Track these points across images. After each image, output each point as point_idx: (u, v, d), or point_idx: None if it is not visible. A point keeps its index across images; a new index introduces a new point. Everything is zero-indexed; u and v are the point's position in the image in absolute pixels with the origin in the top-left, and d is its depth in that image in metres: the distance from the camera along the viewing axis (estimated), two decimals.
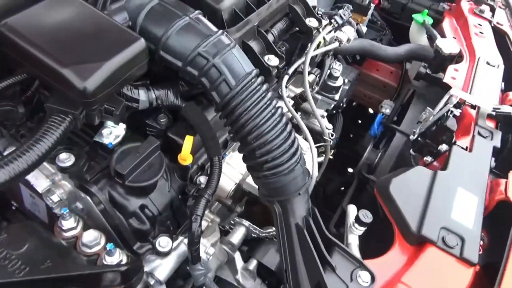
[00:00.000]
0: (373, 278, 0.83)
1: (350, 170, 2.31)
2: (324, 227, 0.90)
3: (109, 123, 0.90)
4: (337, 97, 1.51)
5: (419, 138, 1.31)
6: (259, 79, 0.87)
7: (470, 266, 0.88)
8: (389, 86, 2.36)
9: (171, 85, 0.97)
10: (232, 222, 1.22)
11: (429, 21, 1.94)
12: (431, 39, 1.90)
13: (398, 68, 2.33)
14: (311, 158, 1.19)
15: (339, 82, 1.49)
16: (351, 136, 2.39)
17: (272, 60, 1.11)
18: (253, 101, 0.85)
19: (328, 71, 1.47)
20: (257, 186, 1.17)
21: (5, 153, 0.86)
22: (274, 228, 1.24)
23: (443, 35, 1.79)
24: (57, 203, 0.88)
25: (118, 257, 0.82)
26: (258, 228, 1.20)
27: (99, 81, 0.73)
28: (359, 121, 2.47)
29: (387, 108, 1.96)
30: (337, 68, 1.49)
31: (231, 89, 0.85)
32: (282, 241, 0.92)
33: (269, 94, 0.87)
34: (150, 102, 0.94)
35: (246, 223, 1.19)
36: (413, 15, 1.98)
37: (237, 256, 1.18)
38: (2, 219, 1.20)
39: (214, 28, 0.91)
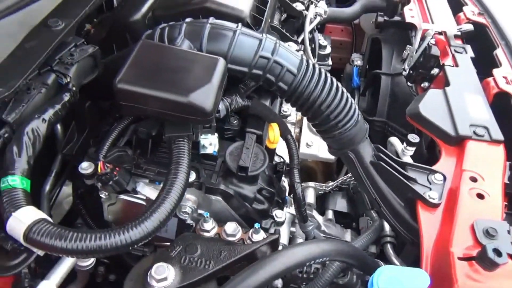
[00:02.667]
0: (444, 177, 1.09)
1: None
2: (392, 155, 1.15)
3: (203, 136, 1.07)
4: (330, 62, 1.76)
5: (411, 72, 1.60)
6: (309, 60, 1.09)
7: (499, 144, 1.17)
8: (345, 43, 2.67)
9: (235, 91, 1.14)
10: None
11: None
12: None
13: (347, 25, 2.64)
14: None
15: (328, 50, 1.73)
16: None
17: (292, 47, 1.32)
18: (315, 79, 1.06)
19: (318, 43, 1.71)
20: (308, 152, 1.41)
21: (138, 188, 1.01)
22: (333, 182, 1.48)
23: None
24: (189, 215, 1.04)
25: (262, 234, 1.01)
26: (323, 185, 1.42)
27: (213, 99, 0.90)
28: None
29: (357, 60, 2.26)
30: (322, 38, 1.73)
31: (295, 76, 1.05)
32: (364, 180, 1.15)
33: (322, 69, 1.09)
34: (227, 110, 1.11)
35: (312, 184, 1.42)
36: None
37: (315, 213, 1.40)
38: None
39: (257, 33, 1.10)
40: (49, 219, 0.76)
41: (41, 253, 0.78)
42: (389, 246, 1.27)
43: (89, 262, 1.01)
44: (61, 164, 1.23)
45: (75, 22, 0.99)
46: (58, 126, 1.22)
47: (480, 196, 1.02)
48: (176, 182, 0.85)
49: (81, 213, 1.25)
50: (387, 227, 1.30)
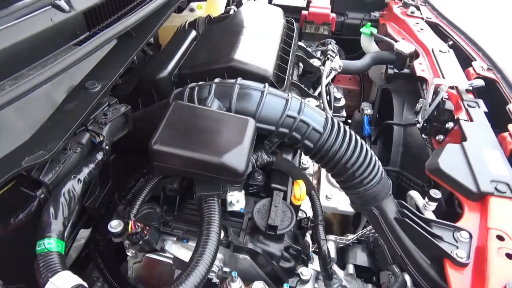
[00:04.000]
0: (470, 235, 1.09)
1: None
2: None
3: (230, 193, 1.08)
4: (344, 113, 1.80)
5: (425, 124, 1.63)
6: (334, 119, 1.12)
7: None
8: (353, 91, 2.74)
9: (260, 147, 1.17)
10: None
11: (374, 30, 2.34)
12: (377, 43, 2.33)
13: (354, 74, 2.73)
14: None
15: (342, 102, 1.78)
16: None
17: (312, 102, 1.36)
18: (340, 138, 1.08)
19: (333, 95, 1.76)
20: (327, 205, 1.42)
21: (167, 247, 1.00)
22: (352, 235, 1.47)
23: (391, 39, 2.18)
24: (215, 274, 1.03)
25: None
26: (343, 238, 1.42)
27: (245, 160, 0.92)
28: None
29: (367, 109, 2.31)
30: (337, 91, 1.79)
31: (321, 134, 1.08)
32: (389, 236, 1.15)
33: (346, 128, 1.12)
34: (253, 166, 1.13)
35: (333, 237, 1.41)
36: (361, 30, 2.37)
37: (335, 267, 1.38)
38: None
39: (283, 93, 1.14)
40: (85, 284, 0.75)
41: None
42: None
43: None
44: (78, 215, 1.24)
45: (110, 84, 1.03)
46: None
47: (510, 256, 1.01)
48: (208, 244, 0.85)
49: (100, 267, 1.24)
50: (408, 281, 1.28)
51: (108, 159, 1.01)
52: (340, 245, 1.43)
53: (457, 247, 1.06)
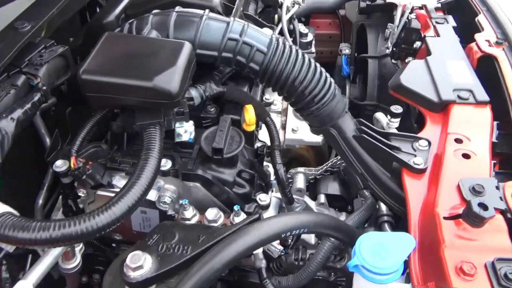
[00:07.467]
0: (429, 142, 1.06)
1: None
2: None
3: (178, 125, 1.06)
4: (313, 49, 1.75)
5: (394, 49, 1.57)
6: (280, 38, 1.07)
7: (485, 105, 1.14)
8: (334, 35, 2.65)
9: (209, 78, 1.14)
10: (289, 176, 1.40)
11: None
12: None
13: (334, 18, 2.64)
14: None
15: (310, 37, 1.72)
16: None
17: (266, 31, 1.31)
18: (285, 56, 1.04)
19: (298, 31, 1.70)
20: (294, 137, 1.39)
21: (114, 181, 1.00)
22: (322, 166, 1.44)
23: None
24: (169, 205, 1.02)
25: (243, 216, 0.98)
26: (313, 169, 1.40)
27: (178, 81, 0.90)
28: None
29: (346, 49, 2.24)
30: (303, 26, 1.72)
31: (265, 54, 1.04)
32: (348, 155, 1.12)
33: (292, 46, 1.07)
34: (201, 97, 1.10)
35: (301, 169, 1.39)
36: None
37: (307, 199, 1.37)
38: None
39: (225, 17, 1.09)
40: (15, 212, 0.75)
41: (10, 249, 0.77)
42: (386, 225, 1.23)
43: (73, 264, 1.00)
44: (54, 178, 1.23)
45: (42, 23, 1.00)
46: (47, 138, 1.22)
47: (466, 156, 0.98)
48: (146, 167, 0.84)
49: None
50: (383, 206, 1.26)
51: (47, 100, 0.99)
52: (310, 177, 1.41)
53: (415, 156, 1.03)
